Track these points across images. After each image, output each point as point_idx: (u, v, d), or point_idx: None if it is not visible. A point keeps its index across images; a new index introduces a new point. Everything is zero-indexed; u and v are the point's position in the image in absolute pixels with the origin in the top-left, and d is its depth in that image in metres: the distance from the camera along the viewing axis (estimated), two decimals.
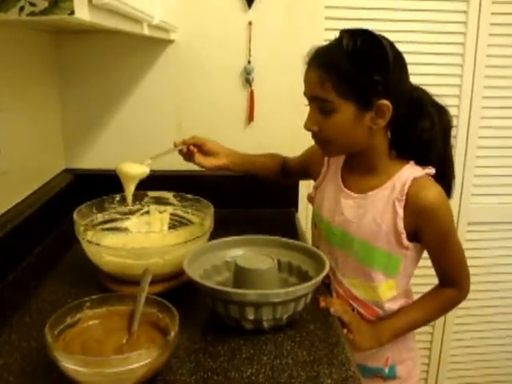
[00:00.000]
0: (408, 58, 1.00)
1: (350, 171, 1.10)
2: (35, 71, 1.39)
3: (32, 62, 1.37)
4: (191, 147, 1.21)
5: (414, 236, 1.02)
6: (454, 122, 1.62)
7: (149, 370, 0.75)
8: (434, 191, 1.00)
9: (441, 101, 1.06)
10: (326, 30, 1.51)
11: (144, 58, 1.51)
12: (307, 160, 1.25)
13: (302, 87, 1.03)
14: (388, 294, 1.05)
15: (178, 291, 1.04)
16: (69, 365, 0.72)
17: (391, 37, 0.99)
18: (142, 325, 0.86)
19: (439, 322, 1.83)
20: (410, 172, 1.01)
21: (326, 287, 1.11)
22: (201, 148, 1.22)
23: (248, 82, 1.51)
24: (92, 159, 1.59)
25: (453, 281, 1.05)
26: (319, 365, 0.84)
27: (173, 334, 0.77)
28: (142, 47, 1.50)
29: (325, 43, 1.02)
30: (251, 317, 0.89)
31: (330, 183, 1.13)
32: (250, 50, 1.49)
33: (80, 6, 0.62)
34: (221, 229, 1.16)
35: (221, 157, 1.24)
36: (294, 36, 1.51)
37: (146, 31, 1.05)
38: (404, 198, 0.99)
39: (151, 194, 1.27)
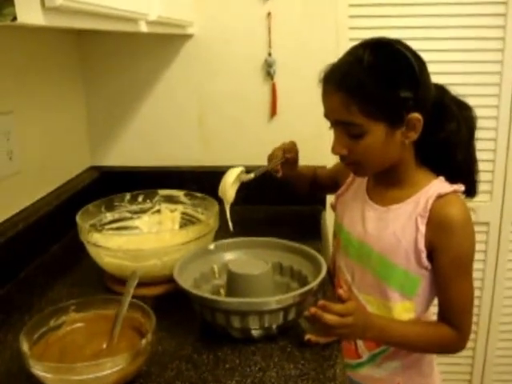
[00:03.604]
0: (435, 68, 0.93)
1: (376, 183, 1.03)
2: (59, 71, 1.42)
3: (55, 63, 1.40)
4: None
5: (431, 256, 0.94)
6: (493, 123, 1.51)
7: (119, 378, 0.74)
8: (458, 209, 0.91)
9: (461, 97, 0.98)
10: (351, 16, 1.43)
11: (164, 53, 1.49)
12: (338, 172, 1.18)
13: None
14: (404, 316, 0.97)
15: (179, 294, 1.02)
16: (37, 371, 0.72)
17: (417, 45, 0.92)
18: (124, 329, 0.84)
19: (483, 323, 1.71)
20: (437, 188, 0.93)
21: (340, 302, 1.05)
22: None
23: (270, 74, 1.46)
24: (117, 156, 1.60)
25: (451, 322, 0.93)
26: (304, 380, 0.79)
27: (144, 342, 0.75)
28: (162, 43, 1.48)
29: (340, 56, 0.94)
30: (237, 325, 0.85)
31: (355, 193, 1.08)
32: (270, 42, 1.44)
33: (28, 11, 0.60)
34: (240, 226, 1.12)
35: (294, 169, 1.21)
36: (315, 25, 1.44)
37: (145, 29, 1.02)
38: (427, 214, 0.92)
39: (162, 192, 1.25)
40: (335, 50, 1.42)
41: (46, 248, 1.24)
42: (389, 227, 0.96)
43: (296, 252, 1.02)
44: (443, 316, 0.94)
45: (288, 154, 1.16)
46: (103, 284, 1.09)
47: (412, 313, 0.97)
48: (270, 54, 1.45)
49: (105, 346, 0.82)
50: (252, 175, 1.09)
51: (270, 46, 1.44)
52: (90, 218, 1.14)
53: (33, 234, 1.18)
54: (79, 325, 0.86)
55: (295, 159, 1.19)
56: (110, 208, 1.20)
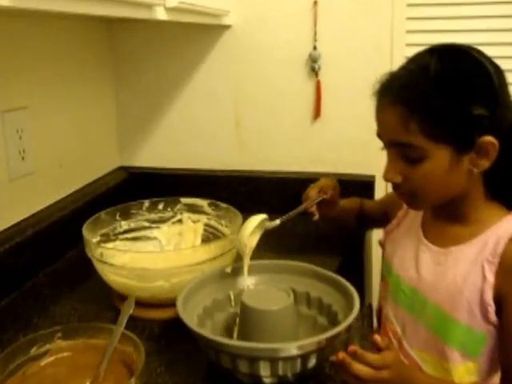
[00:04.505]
0: None
1: (434, 218, 0.87)
2: (86, 64, 1.33)
3: (82, 54, 1.31)
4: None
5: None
6: None
7: None
8: None
9: None
10: (409, 5, 1.24)
11: (200, 46, 1.38)
12: (389, 203, 1.02)
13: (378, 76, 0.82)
14: (465, 379, 0.80)
15: None
16: None
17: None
18: (114, 364, 0.72)
19: None
20: (510, 226, 0.76)
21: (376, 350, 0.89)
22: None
23: (314, 70, 1.31)
24: (148, 156, 1.49)
25: None
26: None
27: None
28: (198, 35, 1.36)
29: (401, 64, 0.80)
30: (245, 370, 0.71)
31: (407, 230, 0.91)
32: (315, 34, 1.28)
33: None
34: (274, 240, 0.98)
35: (334, 209, 1.06)
36: (368, 16, 1.27)
37: (163, 16, 0.90)
38: (497, 260, 0.75)
39: (184, 200, 1.13)
40: (389, 45, 1.25)
41: (56, 257, 1.13)
42: (448, 273, 0.80)
43: (327, 281, 0.86)
44: (506, 380, 0.76)
45: (325, 195, 1.01)
46: (111, 302, 0.98)
47: (475, 375, 0.80)
48: (314, 48, 1.29)
49: (88, 383, 0.70)
50: (278, 221, 0.92)
51: (315, 39, 1.29)
52: (102, 226, 1.03)
53: (43, 241, 1.09)
54: (65, 354, 0.74)
55: (334, 199, 1.03)
56: (126, 216, 1.09)
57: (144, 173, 1.48)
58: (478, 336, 0.78)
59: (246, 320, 0.78)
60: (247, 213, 1.38)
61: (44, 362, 0.73)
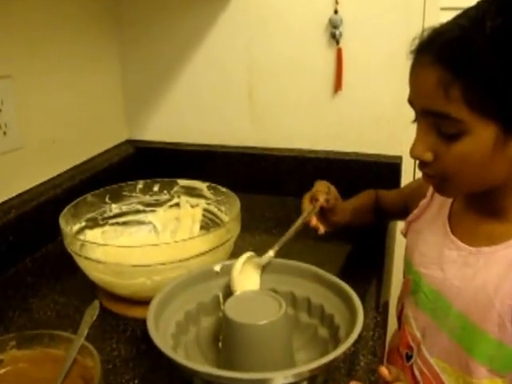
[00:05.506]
0: None
1: (465, 210, 0.75)
2: (87, 28, 1.21)
3: (85, 19, 1.20)
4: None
5: None
6: None
7: None
8: None
9: None
10: None
11: (210, 9, 1.23)
12: (410, 194, 0.90)
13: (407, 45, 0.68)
14: None
15: None
16: None
17: None
18: (73, 379, 0.62)
19: None
20: None
21: (406, 360, 0.80)
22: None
23: (334, 37, 1.15)
24: (156, 130, 1.38)
25: None
26: None
27: None
28: None
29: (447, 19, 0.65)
30: None
31: (432, 222, 0.79)
32: None
33: None
34: (280, 229, 0.85)
35: (340, 213, 0.93)
36: None
37: None
38: None
39: (181, 182, 1.02)
40: (421, 8, 1.10)
41: (46, 241, 1.04)
42: (477, 278, 0.68)
43: (331, 288, 0.73)
44: None
45: (318, 202, 0.88)
46: (96, 296, 0.88)
47: None
48: (335, 12, 1.13)
49: None
50: (271, 253, 0.76)
51: (336, 2, 1.12)
52: (89, 210, 0.94)
53: (29, 224, 1.00)
54: (19, 366, 0.65)
55: (331, 204, 0.90)
56: (117, 198, 0.98)
57: (153, 148, 1.38)
58: (510, 352, 0.67)
59: (228, 333, 0.67)
60: (262, 194, 1.27)
61: None
